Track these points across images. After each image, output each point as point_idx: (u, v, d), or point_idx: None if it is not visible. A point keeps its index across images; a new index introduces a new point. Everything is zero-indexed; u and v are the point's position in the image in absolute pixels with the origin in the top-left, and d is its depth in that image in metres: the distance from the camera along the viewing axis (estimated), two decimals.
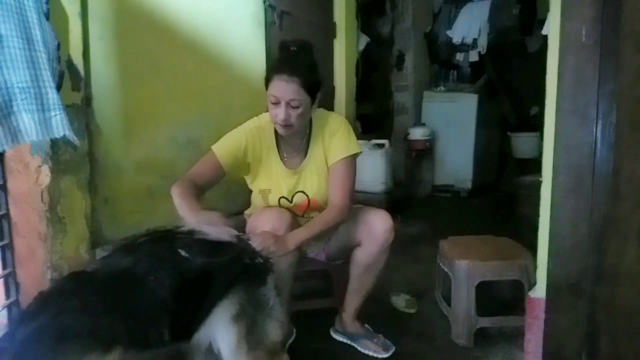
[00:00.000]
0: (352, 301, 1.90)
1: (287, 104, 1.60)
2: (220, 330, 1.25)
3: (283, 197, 1.78)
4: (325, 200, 1.79)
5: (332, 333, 2.00)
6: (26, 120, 1.41)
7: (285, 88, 1.59)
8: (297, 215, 1.81)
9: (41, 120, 1.44)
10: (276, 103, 1.62)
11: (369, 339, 1.90)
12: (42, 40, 1.45)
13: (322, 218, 1.70)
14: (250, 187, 1.86)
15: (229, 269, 1.27)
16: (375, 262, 1.80)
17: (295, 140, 1.78)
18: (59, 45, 1.55)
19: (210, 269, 1.22)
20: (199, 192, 1.61)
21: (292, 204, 1.79)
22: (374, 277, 1.84)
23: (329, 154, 1.76)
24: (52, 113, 1.47)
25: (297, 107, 1.61)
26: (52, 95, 1.46)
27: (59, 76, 1.55)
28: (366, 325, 1.97)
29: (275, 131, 1.76)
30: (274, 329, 1.35)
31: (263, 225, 1.62)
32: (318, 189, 1.78)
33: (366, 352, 1.88)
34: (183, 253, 1.17)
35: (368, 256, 1.78)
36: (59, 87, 1.53)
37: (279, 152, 1.77)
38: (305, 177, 1.78)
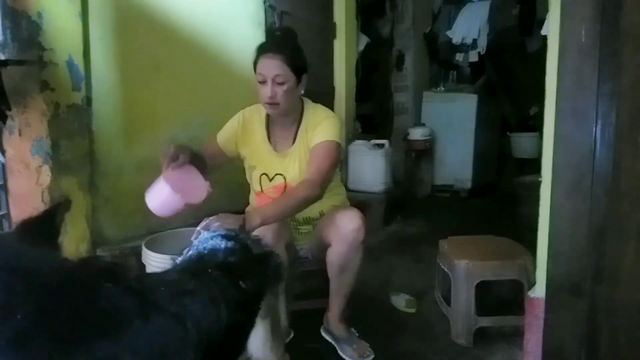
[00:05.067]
0: (335, 302, 1.87)
1: (273, 81, 1.66)
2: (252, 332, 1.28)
3: (264, 174, 1.83)
4: None
5: (322, 331, 1.98)
6: None
7: (269, 64, 1.66)
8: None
9: None
10: (263, 82, 1.68)
11: (349, 344, 1.86)
12: None
13: (289, 192, 1.71)
14: (245, 165, 1.92)
15: (264, 283, 1.27)
16: (348, 262, 1.75)
17: (284, 125, 1.82)
18: None
19: (257, 295, 1.19)
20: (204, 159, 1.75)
21: (270, 183, 1.83)
22: (352, 277, 1.80)
23: (311, 140, 1.77)
24: None
25: (283, 84, 1.66)
26: None
27: None
28: (352, 329, 1.93)
29: (267, 115, 1.82)
30: (284, 315, 1.45)
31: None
32: (297, 175, 1.78)
33: (344, 356, 1.86)
34: (242, 285, 1.13)
35: (338, 256, 1.74)
36: None
37: (268, 133, 1.83)
38: (289, 162, 1.81)
